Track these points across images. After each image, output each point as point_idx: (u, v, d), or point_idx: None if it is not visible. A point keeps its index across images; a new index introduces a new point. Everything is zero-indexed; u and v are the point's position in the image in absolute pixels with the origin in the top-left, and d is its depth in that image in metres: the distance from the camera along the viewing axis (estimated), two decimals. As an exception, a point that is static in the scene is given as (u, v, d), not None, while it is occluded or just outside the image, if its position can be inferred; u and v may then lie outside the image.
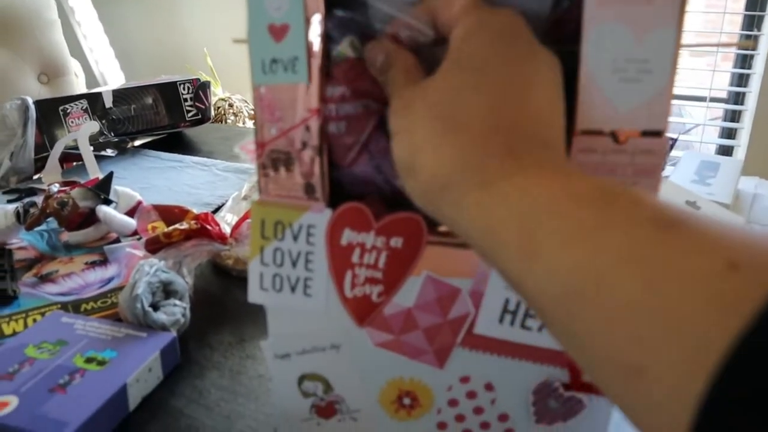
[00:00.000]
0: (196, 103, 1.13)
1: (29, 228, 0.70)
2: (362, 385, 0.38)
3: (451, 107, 0.26)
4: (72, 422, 0.41)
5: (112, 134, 1.06)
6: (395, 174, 0.30)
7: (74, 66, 1.64)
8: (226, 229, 0.64)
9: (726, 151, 1.98)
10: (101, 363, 0.47)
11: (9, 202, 0.85)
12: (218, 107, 2.29)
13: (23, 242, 0.72)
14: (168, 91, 1.10)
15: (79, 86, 1.64)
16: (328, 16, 0.32)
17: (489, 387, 0.36)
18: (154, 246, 0.60)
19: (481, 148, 0.25)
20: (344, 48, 0.32)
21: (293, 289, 0.36)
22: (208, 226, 0.61)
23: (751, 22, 1.88)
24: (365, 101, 0.32)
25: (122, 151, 1.10)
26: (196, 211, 0.70)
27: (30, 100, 0.95)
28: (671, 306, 0.18)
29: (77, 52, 1.97)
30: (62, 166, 0.97)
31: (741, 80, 1.95)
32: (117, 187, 0.76)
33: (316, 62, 0.32)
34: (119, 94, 1.07)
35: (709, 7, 2.12)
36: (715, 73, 1.90)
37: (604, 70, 0.29)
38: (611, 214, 0.21)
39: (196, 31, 2.67)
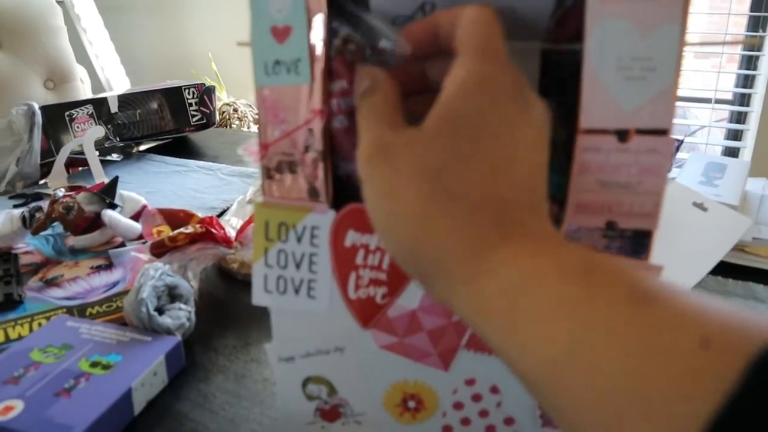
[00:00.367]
0: (201, 108, 1.13)
1: (35, 232, 0.70)
2: (366, 388, 0.38)
3: (443, 173, 0.25)
4: (77, 426, 0.41)
5: (118, 139, 1.06)
6: None
7: (80, 72, 1.65)
8: (231, 233, 0.64)
9: (732, 152, 1.97)
10: (106, 367, 0.47)
11: (15, 206, 0.85)
12: (223, 112, 2.30)
13: (29, 247, 0.72)
14: (173, 96, 1.11)
15: (85, 92, 1.65)
16: (330, 13, 0.31)
17: (494, 390, 0.36)
18: (159, 250, 0.60)
19: (474, 221, 0.24)
20: (339, 42, 0.32)
21: (297, 290, 0.36)
22: (213, 230, 0.61)
23: (756, 23, 1.87)
24: None
25: (128, 155, 1.11)
26: (201, 215, 0.70)
27: (36, 106, 0.96)
28: (647, 385, 0.18)
29: (83, 58, 1.98)
30: (68, 171, 0.98)
31: (746, 81, 1.94)
32: (122, 191, 0.76)
33: (319, 63, 0.32)
34: (125, 99, 1.07)
35: (714, 9, 2.12)
36: (721, 75, 1.89)
37: (608, 68, 0.29)
38: (591, 288, 0.21)
39: (201, 36, 2.68)
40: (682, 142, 0.79)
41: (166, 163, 1.07)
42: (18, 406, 0.43)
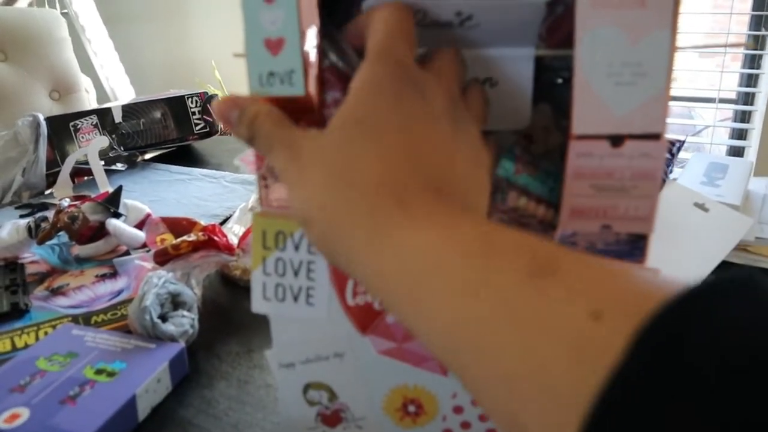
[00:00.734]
0: (204, 116, 1.14)
1: (41, 242, 0.71)
2: (366, 393, 0.38)
3: (342, 163, 0.27)
4: (82, 434, 0.41)
5: (122, 148, 1.07)
6: None
7: (85, 82, 1.67)
8: (234, 240, 0.64)
9: (737, 152, 1.97)
10: (111, 374, 0.47)
11: (21, 216, 0.86)
12: (227, 119, 2.31)
13: (35, 256, 0.73)
14: (176, 105, 1.12)
15: (90, 102, 1.67)
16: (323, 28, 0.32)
17: (493, 393, 0.36)
18: (162, 258, 0.61)
19: (371, 201, 0.25)
20: (330, 58, 0.32)
21: (296, 298, 0.36)
22: (216, 238, 0.62)
23: (758, 22, 1.87)
24: None
25: (132, 164, 1.12)
26: (204, 222, 0.71)
27: (41, 117, 0.97)
28: (541, 362, 0.18)
29: (88, 68, 2.00)
30: (73, 181, 0.99)
31: (750, 81, 1.94)
32: (126, 200, 0.77)
33: (312, 74, 0.32)
34: (128, 109, 1.08)
35: (717, 8, 2.11)
36: (724, 74, 1.88)
37: (599, 75, 0.29)
38: (487, 264, 0.21)
39: (204, 44, 2.70)
40: (683, 142, 0.79)
41: (170, 172, 1.08)
42: (24, 413, 0.43)
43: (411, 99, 0.28)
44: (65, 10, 2.10)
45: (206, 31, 2.69)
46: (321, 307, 0.36)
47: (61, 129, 1.02)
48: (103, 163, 0.94)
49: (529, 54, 0.34)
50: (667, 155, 0.78)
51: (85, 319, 0.58)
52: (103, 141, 0.98)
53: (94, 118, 1.05)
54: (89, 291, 0.64)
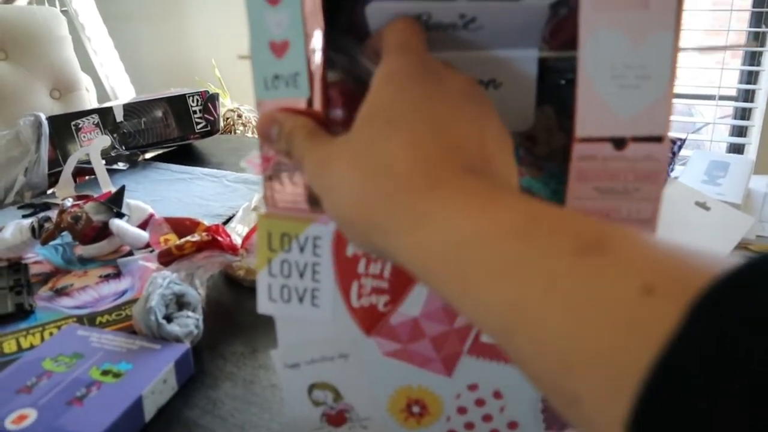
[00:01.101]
0: (205, 115, 1.14)
1: (44, 242, 0.71)
2: (371, 394, 0.38)
3: (372, 158, 0.27)
4: (89, 434, 0.42)
5: (124, 148, 1.07)
6: None
7: (85, 81, 1.67)
8: (237, 240, 0.65)
9: (737, 149, 1.97)
10: (117, 375, 0.48)
11: (24, 216, 0.87)
12: (227, 118, 2.31)
13: (39, 256, 0.73)
14: (177, 103, 1.12)
15: (91, 101, 1.67)
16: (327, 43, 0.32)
17: (497, 395, 0.36)
18: (166, 258, 0.61)
19: (407, 189, 0.25)
20: (334, 74, 0.33)
21: (301, 299, 0.36)
22: (219, 238, 0.62)
23: (759, 19, 1.87)
24: None
25: (133, 164, 1.12)
26: (207, 222, 0.71)
27: (43, 117, 0.97)
28: (593, 335, 0.18)
29: (88, 66, 1.99)
30: (75, 180, 0.99)
31: (750, 78, 1.94)
32: (129, 200, 0.77)
33: (317, 76, 0.32)
34: (130, 108, 1.08)
35: (717, 5, 2.11)
36: (724, 71, 1.88)
37: (603, 77, 0.29)
38: (534, 244, 0.21)
39: (204, 42, 2.69)
40: (684, 140, 0.79)
41: (172, 171, 1.08)
42: (31, 414, 0.44)
43: (433, 84, 0.28)
44: (65, 8, 2.09)
45: (206, 30, 2.69)
46: (326, 308, 0.36)
47: (63, 128, 1.02)
48: (104, 162, 0.95)
49: (532, 56, 0.34)
50: (669, 154, 0.78)
51: (89, 320, 0.58)
52: (104, 140, 0.98)
53: (96, 118, 1.05)
54: (93, 291, 0.64)
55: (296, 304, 0.37)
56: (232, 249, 0.63)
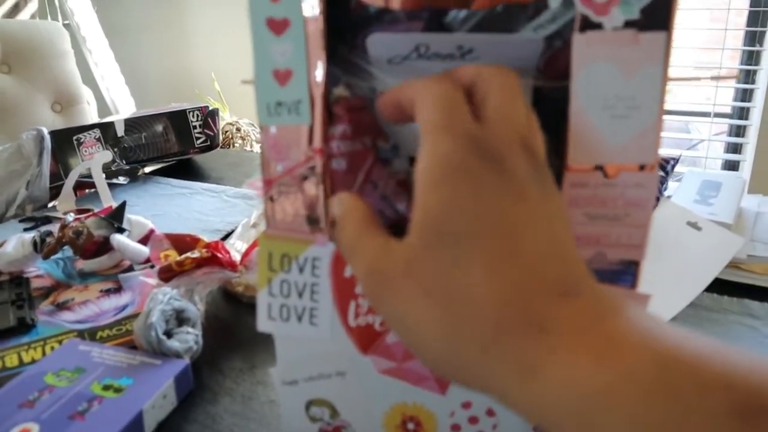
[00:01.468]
0: (205, 130, 1.16)
1: (46, 257, 0.72)
2: (367, 411, 0.39)
3: (444, 289, 0.23)
4: (89, 449, 0.42)
5: (124, 162, 1.09)
6: (400, 199, 0.32)
7: (86, 94, 1.68)
8: (236, 257, 0.66)
9: (732, 166, 1.99)
10: (118, 390, 0.48)
11: (25, 230, 0.87)
12: (226, 131, 2.33)
13: (40, 270, 0.74)
14: (178, 119, 1.13)
15: (92, 114, 1.68)
16: (330, 59, 0.33)
17: (490, 413, 0.37)
18: (167, 274, 0.62)
19: (500, 335, 0.22)
20: (339, 90, 0.34)
21: (300, 318, 0.37)
22: (219, 254, 0.63)
23: (753, 38, 1.90)
24: (364, 138, 0.34)
25: (134, 178, 1.13)
26: (206, 237, 0.72)
27: (45, 131, 0.98)
28: None
29: (89, 79, 2.01)
30: (76, 194, 1.00)
31: (745, 95, 1.96)
32: (130, 215, 0.78)
33: (318, 105, 0.33)
34: (131, 123, 1.10)
35: (713, 21, 2.14)
36: (719, 88, 1.91)
37: (595, 108, 0.31)
38: (680, 405, 0.18)
39: (204, 56, 2.72)
40: (678, 159, 0.80)
41: (172, 186, 1.09)
42: (34, 429, 0.44)
43: (492, 182, 0.24)
44: (66, 21, 2.11)
45: (206, 43, 2.71)
46: (324, 327, 0.37)
47: (65, 142, 1.03)
48: (105, 176, 0.96)
49: (527, 85, 0.35)
50: (662, 173, 0.79)
51: (90, 334, 0.59)
52: (106, 155, 0.99)
53: (97, 132, 1.07)
54: (94, 306, 0.65)
55: (295, 322, 0.37)
56: (231, 265, 0.64)
